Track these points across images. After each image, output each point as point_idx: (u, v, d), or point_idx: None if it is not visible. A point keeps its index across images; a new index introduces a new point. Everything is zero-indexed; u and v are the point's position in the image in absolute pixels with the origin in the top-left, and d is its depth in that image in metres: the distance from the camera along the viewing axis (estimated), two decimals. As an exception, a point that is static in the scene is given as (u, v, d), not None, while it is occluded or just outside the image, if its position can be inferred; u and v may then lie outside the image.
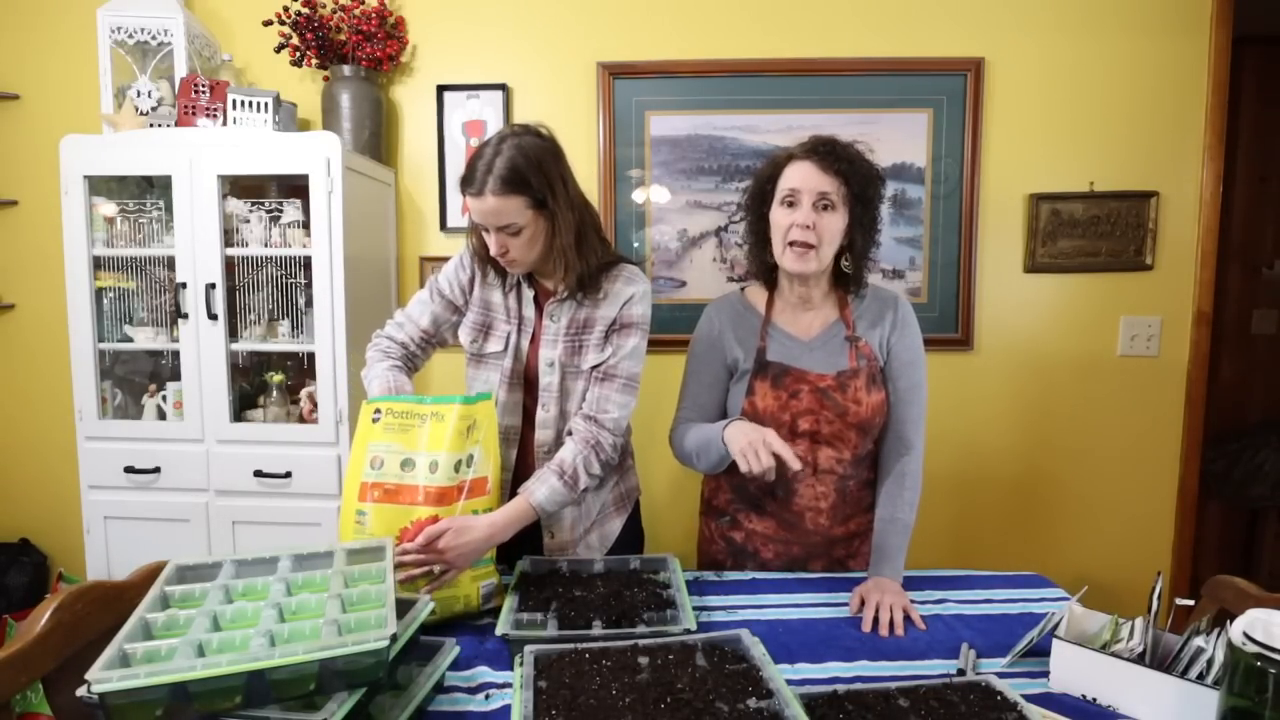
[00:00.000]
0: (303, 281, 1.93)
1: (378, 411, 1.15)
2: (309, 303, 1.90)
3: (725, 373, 1.37)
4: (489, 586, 1.17)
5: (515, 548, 1.28)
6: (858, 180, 1.24)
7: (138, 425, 1.94)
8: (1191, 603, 1.14)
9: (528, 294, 1.33)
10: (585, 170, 2.13)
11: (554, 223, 1.23)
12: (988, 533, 2.26)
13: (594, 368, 1.30)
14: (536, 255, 1.25)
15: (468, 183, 1.19)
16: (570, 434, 1.29)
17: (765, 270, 1.37)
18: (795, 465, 1.11)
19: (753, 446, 1.11)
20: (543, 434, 1.33)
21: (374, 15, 2.07)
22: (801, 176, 1.25)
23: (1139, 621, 0.98)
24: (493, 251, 1.23)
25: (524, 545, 1.31)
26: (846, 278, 1.33)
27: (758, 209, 1.34)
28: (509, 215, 1.18)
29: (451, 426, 1.13)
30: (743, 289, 1.44)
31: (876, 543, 1.30)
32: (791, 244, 1.25)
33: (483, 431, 1.17)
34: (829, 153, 1.25)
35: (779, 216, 1.28)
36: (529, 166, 1.18)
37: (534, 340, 1.33)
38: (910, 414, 1.33)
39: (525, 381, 1.34)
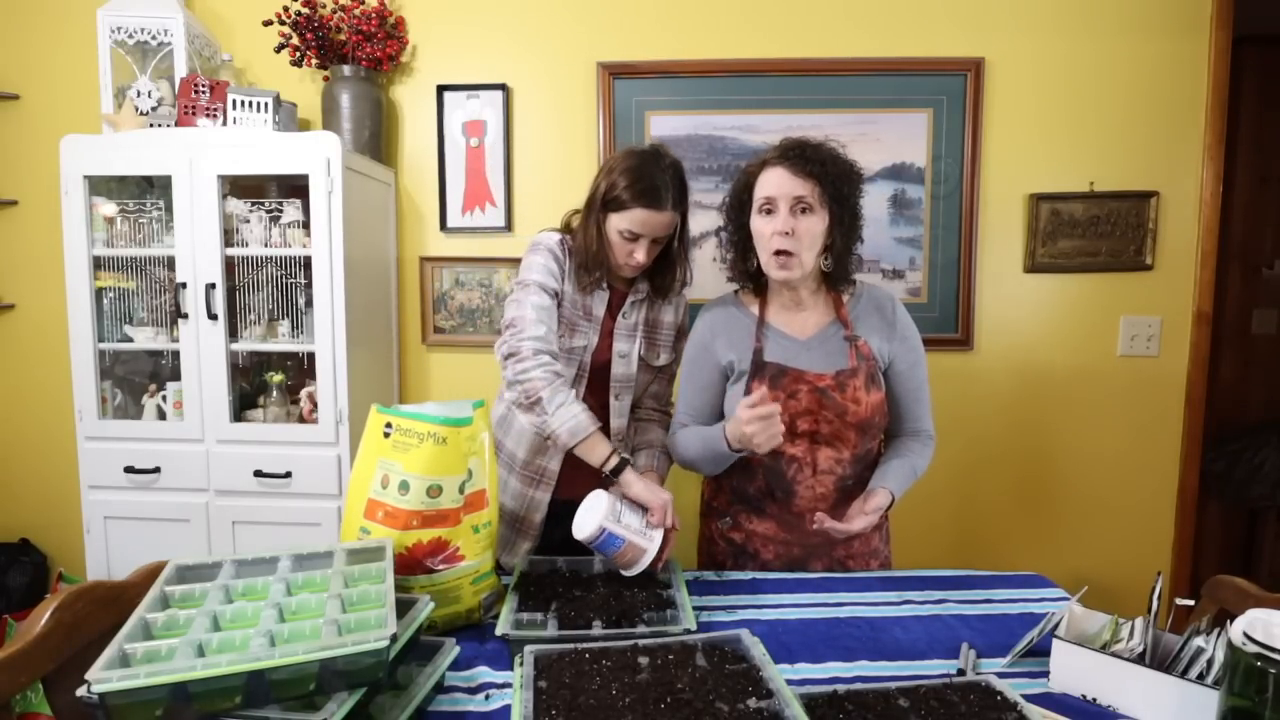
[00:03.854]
0: (303, 281, 1.93)
1: (388, 426, 1.11)
2: (309, 303, 1.90)
3: (719, 376, 1.38)
4: (490, 597, 1.17)
5: (553, 546, 1.42)
6: (831, 180, 1.24)
7: (138, 425, 1.94)
8: (1191, 603, 1.14)
9: (602, 295, 1.41)
10: (586, 170, 2.13)
11: (684, 232, 1.40)
12: (988, 533, 2.26)
13: (662, 368, 1.49)
14: (652, 259, 1.37)
15: (649, 198, 1.30)
16: (641, 419, 1.51)
17: (750, 277, 1.38)
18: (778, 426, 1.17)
19: (754, 429, 1.15)
20: (618, 422, 1.45)
21: (374, 15, 2.07)
22: (776, 183, 1.24)
23: (1139, 621, 0.98)
24: (639, 258, 1.34)
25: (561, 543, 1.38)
26: (834, 279, 1.34)
27: (737, 218, 1.34)
28: (671, 226, 1.35)
29: (457, 449, 1.09)
30: (737, 291, 1.44)
31: (879, 470, 1.32)
32: (775, 253, 1.25)
33: (479, 443, 1.14)
34: (800, 155, 1.24)
35: (759, 225, 1.28)
36: (685, 184, 1.37)
37: (602, 338, 1.42)
38: (921, 410, 1.37)
39: (593, 374, 1.43)
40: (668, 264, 1.42)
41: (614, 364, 1.42)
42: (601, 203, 1.34)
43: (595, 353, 1.41)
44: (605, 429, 1.41)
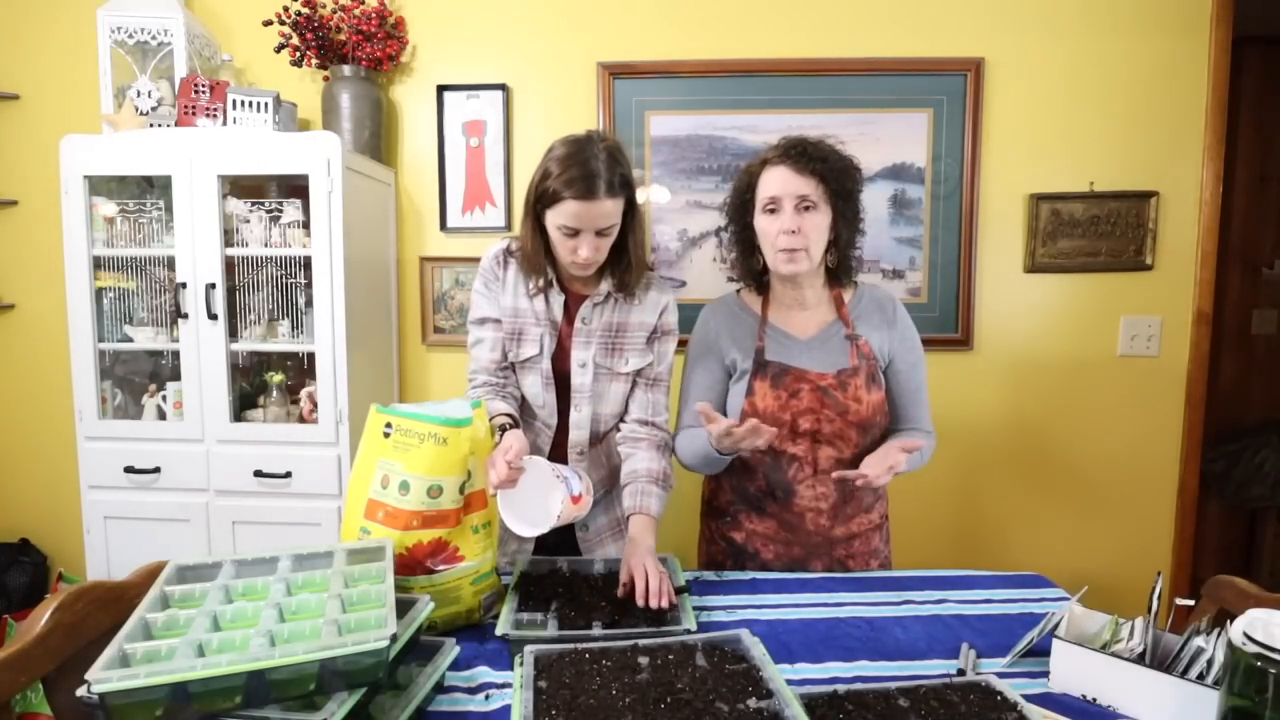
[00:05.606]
0: (303, 281, 1.93)
1: (389, 426, 1.11)
2: (309, 303, 1.90)
3: (723, 374, 1.38)
4: (490, 597, 1.17)
5: (546, 547, 1.36)
6: (834, 176, 1.25)
7: (138, 425, 1.94)
8: (1191, 603, 1.14)
9: (557, 299, 1.33)
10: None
11: (634, 221, 1.28)
12: (988, 533, 2.26)
13: (639, 373, 1.36)
14: (605, 255, 1.26)
15: (581, 186, 1.17)
16: (626, 439, 1.36)
17: (754, 276, 1.38)
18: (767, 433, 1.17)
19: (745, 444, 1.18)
20: (577, 434, 1.35)
21: (374, 15, 2.07)
22: (779, 182, 1.25)
23: (1139, 621, 0.98)
24: (583, 255, 1.21)
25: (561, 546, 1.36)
26: (838, 275, 1.34)
27: (740, 218, 1.35)
28: (614, 216, 1.22)
29: (457, 449, 1.09)
30: (739, 290, 1.44)
31: (895, 436, 1.33)
32: (781, 250, 1.26)
33: (479, 443, 1.13)
34: (802, 154, 1.25)
35: (764, 224, 1.28)
36: (627, 167, 1.23)
37: (561, 343, 1.34)
38: (920, 410, 1.37)
39: (557, 382, 1.35)
40: (623, 257, 1.30)
41: (573, 373, 1.33)
42: (536, 198, 1.24)
43: (555, 360, 1.33)
44: (564, 436, 1.36)
